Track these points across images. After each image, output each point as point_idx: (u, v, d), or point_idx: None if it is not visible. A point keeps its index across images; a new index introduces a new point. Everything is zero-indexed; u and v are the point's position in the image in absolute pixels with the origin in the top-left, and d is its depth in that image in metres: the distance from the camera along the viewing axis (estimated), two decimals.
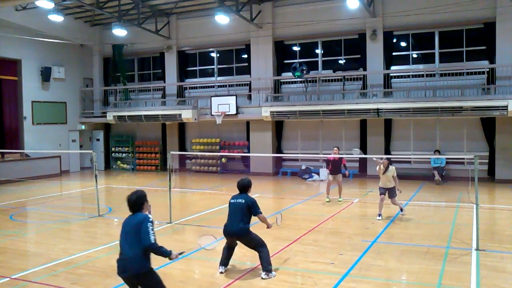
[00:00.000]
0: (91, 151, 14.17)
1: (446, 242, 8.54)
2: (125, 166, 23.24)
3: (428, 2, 16.75)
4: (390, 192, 10.59)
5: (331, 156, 12.94)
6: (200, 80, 22.00)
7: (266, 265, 6.69)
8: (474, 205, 8.29)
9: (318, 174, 18.19)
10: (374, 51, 17.88)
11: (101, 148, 23.61)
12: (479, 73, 16.61)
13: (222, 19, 17.85)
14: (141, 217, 4.82)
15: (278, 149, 19.97)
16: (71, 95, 22.63)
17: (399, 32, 18.00)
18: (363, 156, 17.81)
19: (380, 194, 10.67)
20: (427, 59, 18.11)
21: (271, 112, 18.44)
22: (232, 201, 6.99)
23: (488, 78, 16.26)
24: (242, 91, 20.55)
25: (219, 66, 21.71)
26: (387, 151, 17.63)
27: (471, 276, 6.63)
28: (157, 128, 22.81)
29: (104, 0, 18.32)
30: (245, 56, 20.77)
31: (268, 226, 7.09)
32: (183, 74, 22.14)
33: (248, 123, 20.30)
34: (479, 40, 16.87)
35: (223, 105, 19.43)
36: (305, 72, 17.89)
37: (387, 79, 17.80)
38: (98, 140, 23.91)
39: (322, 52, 19.52)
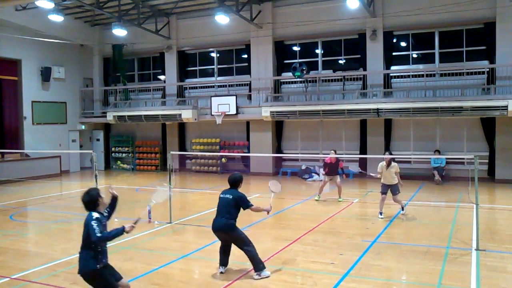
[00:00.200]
0: (91, 151, 14.17)
1: (446, 242, 8.54)
2: (125, 166, 23.24)
3: (428, 2, 16.75)
4: (393, 190, 10.59)
5: (328, 158, 13.02)
6: (200, 80, 22.00)
7: (257, 265, 6.61)
8: (474, 205, 8.28)
9: (318, 174, 18.19)
10: (374, 51, 17.88)
11: (101, 148, 23.61)
12: (479, 73, 16.61)
13: (222, 19, 17.85)
14: (86, 218, 4.85)
15: (278, 149, 19.97)
16: (71, 95, 22.63)
17: (399, 32, 18.00)
18: (363, 156, 17.88)
19: (382, 193, 10.67)
20: (427, 59, 18.11)
21: (271, 112, 18.44)
22: (221, 196, 6.97)
23: (488, 78, 16.26)
24: (242, 91, 20.55)
25: (219, 66, 21.71)
26: (387, 151, 17.61)
27: (471, 276, 6.63)
28: (157, 128, 22.81)
29: (104, 0, 18.32)
30: (245, 56, 20.77)
31: (268, 212, 7.11)
32: (183, 74, 22.15)
33: (248, 123, 20.30)
34: (479, 40, 16.86)
35: (223, 105, 19.43)
36: (305, 72, 17.89)
37: (387, 79, 17.81)
38: (98, 140, 23.91)
39: (322, 52, 19.52)
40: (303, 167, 18.86)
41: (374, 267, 7.11)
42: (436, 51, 17.57)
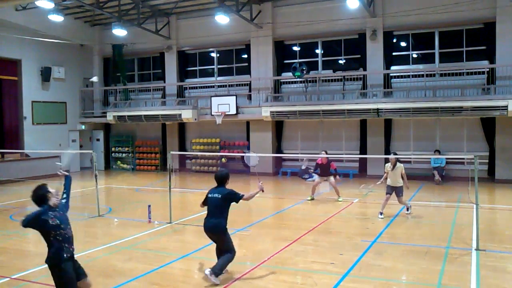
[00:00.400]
0: (91, 151, 14.17)
1: (446, 242, 8.54)
2: (125, 166, 23.24)
3: (428, 2, 16.75)
4: (397, 192, 10.62)
5: (319, 159, 13.09)
6: (200, 80, 22.00)
7: (219, 268, 6.46)
8: (474, 205, 8.29)
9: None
10: (374, 51, 17.88)
11: (101, 148, 23.61)
12: (479, 73, 16.60)
13: (222, 19, 17.85)
14: None
15: (278, 149, 19.97)
16: (71, 95, 22.63)
17: (399, 32, 18.00)
18: (363, 156, 17.89)
19: (386, 193, 10.71)
20: (427, 59, 18.11)
21: (271, 112, 18.44)
22: (210, 195, 6.83)
23: (488, 78, 16.26)
24: (242, 91, 20.56)
25: (219, 66, 21.71)
26: (387, 151, 17.61)
27: (471, 276, 6.63)
28: (157, 128, 22.81)
29: (104, 0, 18.31)
30: (245, 56, 20.77)
31: (262, 190, 7.03)
32: (183, 74, 22.15)
33: (248, 123, 20.30)
34: (479, 40, 16.86)
35: (223, 105, 19.43)
36: (305, 72, 17.89)
37: (387, 79, 17.80)
38: (98, 140, 23.90)
39: (322, 52, 19.52)
40: (303, 167, 18.86)
41: (374, 267, 7.11)
42: (436, 51, 17.57)
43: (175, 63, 21.91)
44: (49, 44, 20.30)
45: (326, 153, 13.12)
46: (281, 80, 19.78)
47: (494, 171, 16.45)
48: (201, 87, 21.77)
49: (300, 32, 19.09)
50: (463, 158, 16.81)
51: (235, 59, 21.37)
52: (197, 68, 22.28)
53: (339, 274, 6.76)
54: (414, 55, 18.30)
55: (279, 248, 8.16)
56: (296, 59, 19.71)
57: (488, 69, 16.26)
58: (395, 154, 11.07)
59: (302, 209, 12.36)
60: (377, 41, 17.80)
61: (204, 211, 6.96)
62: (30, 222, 4.87)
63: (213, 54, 21.83)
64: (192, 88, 21.98)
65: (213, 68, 21.80)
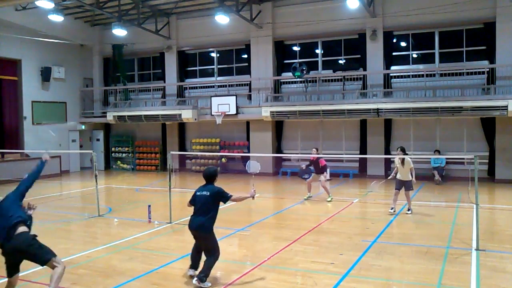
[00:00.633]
0: (91, 151, 14.17)
1: (446, 242, 8.53)
2: (125, 166, 23.24)
3: (428, 2, 16.75)
4: (406, 185, 11.02)
5: (311, 156, 13.36)
6: (200, 80, 22.00)
7: (204, 274, 6.26)
8: (474, 205, 8.29)
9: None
10: (374, 51, 17.88)
11: (101, 148, 23.61)
12: (479, 73, 16.60)
13: (222, 19, 17.85)
14: None
15: (278, 149, 19.97)
16: (71, 95, 22.63)
17: (399, 32, 18.00)
18: (363, 156, 17.89)
19: (396, 189, 11.09)
20: (427, 59, 18.11)
21: (271, 112, 18.44)
22: (198, 193, 6.65)
23: (488, 78, 16.26)
24: (242, 91, 20.56)
25: (219, 66, 21.71)
26: (387, 151, 17.64)
27: (471, 276, 6.63)
28: (157, 128, 22.82)
29: (104, 0, 18.32)
30: (245, 56, 20.77)
31: (253, 197, 6.99)
32: (183, 74, 22.15)
33: (248, 123, 20.30)
34: (479, 40, 16.86)
35: (223, 105, 19.43)
36: (305, 72, 17.89)
37: (387, 79, 17.80)
38: (98, 140, 23.91)
39: (322, 52, 19.52)
40: (303, 167, 18.82)
41: (374, 267, 7.11)
42: (436, 51, 17.57)
43: (175, 63, 21.91)
44: (49, 44, 20.30)
45: (317, 151, 13.41)
46: (281, 80, 19.78)
47: (494, 171, 16.45)
48: (201, 87, 21.77)
49: (300, 32, 19.09)
50: (463, 158, 16.80)
51: (235, 59, 21.37)
52: (197, 68, 22.28)
53: (339, 274, 6.76)
54: (414, 55, 18.29)
55: (279, 248, 8.16)
56: (296, 59, 19.71)
57: (488, 69, 16.26)
58: (402, 149, 11.12)
59: (302, 209, 12.36)
60: (377, 41, 17.80)
61: None
62: None
63: (213, 54, 21.83)
64: (192, 88, 21.97)
65: (213, 68, 21.80)
